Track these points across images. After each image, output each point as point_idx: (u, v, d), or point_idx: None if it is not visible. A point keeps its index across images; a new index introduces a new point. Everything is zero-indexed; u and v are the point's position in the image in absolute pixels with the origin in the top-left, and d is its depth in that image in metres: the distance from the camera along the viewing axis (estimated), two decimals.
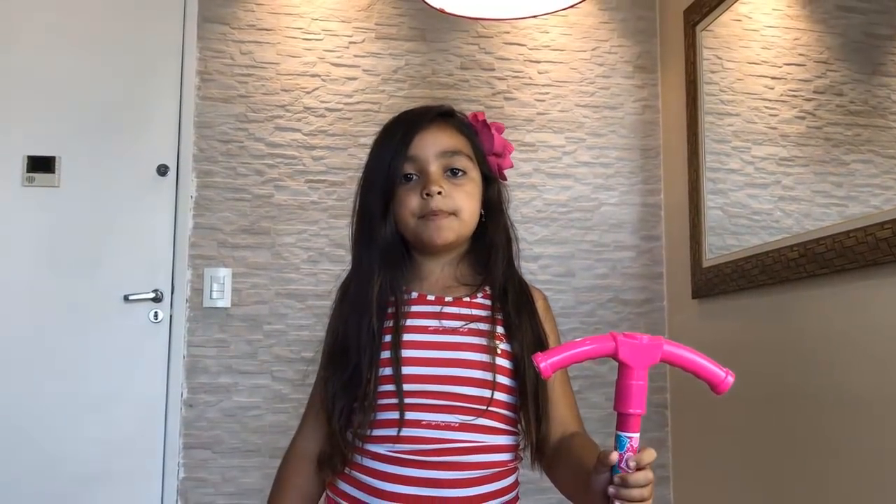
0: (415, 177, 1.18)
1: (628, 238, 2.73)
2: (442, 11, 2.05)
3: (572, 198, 2.71)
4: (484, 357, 1.11)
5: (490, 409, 1.11)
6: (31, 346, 2.40)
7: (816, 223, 1.90)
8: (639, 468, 0.91)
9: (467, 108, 2.66)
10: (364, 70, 2.66)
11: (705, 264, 2.40)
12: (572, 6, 2.07)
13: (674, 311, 2.66)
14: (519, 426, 1.15)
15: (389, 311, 1.15)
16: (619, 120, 2.77)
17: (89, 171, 2.48)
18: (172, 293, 2.48)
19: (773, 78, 2.14)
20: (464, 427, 1.09)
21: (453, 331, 1.13)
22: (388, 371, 1.11)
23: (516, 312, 1.16)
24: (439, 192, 1.15)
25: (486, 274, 1.20)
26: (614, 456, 0.91)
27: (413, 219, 1.16)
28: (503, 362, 1.13)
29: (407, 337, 1.13)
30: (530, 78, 2.74)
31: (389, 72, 2.67)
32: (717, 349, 2.33)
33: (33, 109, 2.48)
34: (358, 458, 1.13)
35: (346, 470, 1.14)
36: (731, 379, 0.94)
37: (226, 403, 2.46)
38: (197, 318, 2.50)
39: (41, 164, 2.46)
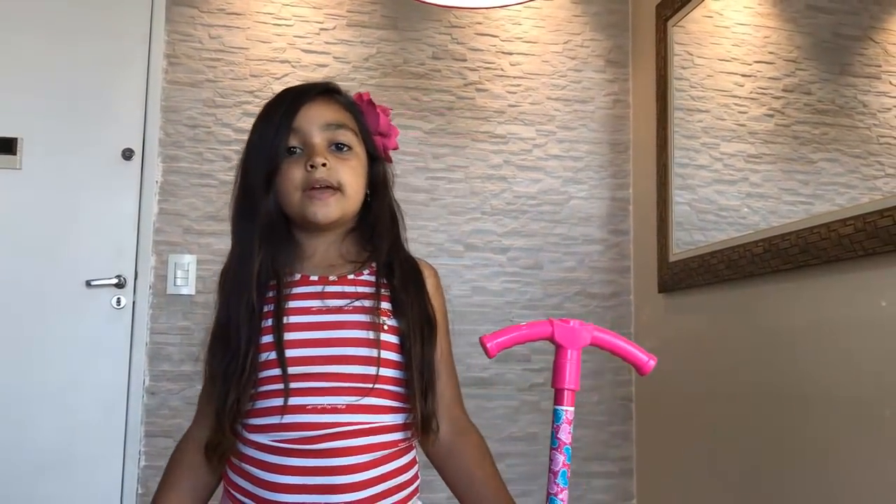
0: (299, 150, 1.15)
1: (596, 232, 2.74)
2: None
3: (542, 190, 2.72)
4: (369, 334, 1.09)
5: (377, 386, 1.08)
6: None
7: (783, 220, 1.92)
8: None
9: (439, 99, 2.66)
10: (335, 57, 2.64)
11: (672, 259, 2.41)
12: None
13: (640, 305, 2.68)
14: (409, 403, 1.13)
15: (270, 294, 1.12)
16: (589, 114, 2.78)
17: (52, 154, 2.44)
18: (136, 279, 2.45)
19: (742, 75, 2.16)
20: (350, 409, 1.07)
21: (338, 310, 1.11)
22: (270, 356, 1.08)
23: (403, 288, 1.15)
24: (323, 164, 1.12)
25: (372, 251, 1.19)
26: None
27: (297, 192, 1.13)
28: (389, 338, 1.11)
29: (289, 319, 1.10)
30: (502, 69, 2.74)
31: (360, 59, 2.65)
32: (683, 343, 2.35)
33: None
34: (245, 449, 1.10)
35: (236, 461, 1.11)
36: (652, 363, 1.04)
37: (188, 392, 2.43)
38: (160, 305, 2.47)
39: (3, 146, 2.41)
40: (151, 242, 2.47)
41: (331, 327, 1.09)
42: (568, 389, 1.01)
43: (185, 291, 2.47)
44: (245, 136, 2.73)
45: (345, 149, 1.17)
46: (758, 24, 2.13)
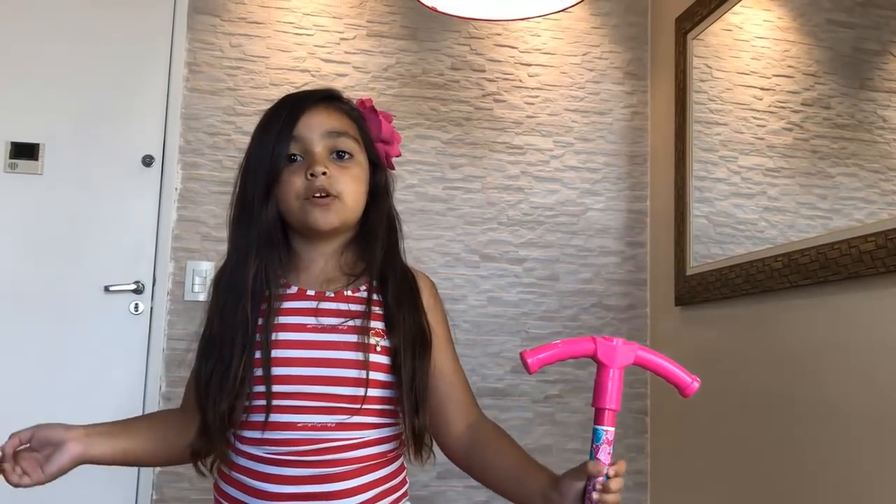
0: (299, 158, 1.14)
1: (613, 244, 2.74)
2: (434, 10, 2.05)
3: (559, 202, 2.71)
4: (359, 356, 1.09)
5: (364, 406, 1.09)
6: (10, 335, 2.37)
7: (801, 234, 1.91)
8: (616, 475, 0.99)
9: (457, 109, 2.67)
10: (354, 67, 2.65)
11: (689, 272, 2.40)
12: (564, 10, 2.07)
13: (656, 318, 2.67)
14: (398, 418, 1.13)
15: (263, 307, 1.11)
16: (607, 125, 2.78)
17: (73, 160, 2.46)
18: (154, 285, 2.46)
19: (761, 89, 2.15)
20: (340, 426, 1.08)
21: (332, 328, 1.10)
22: (259, 371, 1.08)
23: (396, 304, 1.14)
24: (324, 173, 1.11)
25: (368, 261, 1.18)
26: (602, 468, 0.98)
27: (298, 201, 1.12)
28: (379, 359, 1.10)
29: (282, 336, 1.09)
30: (520, 81, 2.74)
31: (380, 69, 2.66)
32: (699, 357, 2.34)
33: (19, 96, 2.46)
34: (237, 459, 1.10)
35: (227, 470, 1.12)
36: (696, 384, 1.02)
37: None
38: (178, 311, 2.48)
39: (25, 151, 2.43)
40: (170, 249, 2.49)
41: (323, 347, 1.09)
42: (609, 409, 1.00)
43: (202, 298, 2.48)
44: None
45: (346, 156, 1.16)
46: (777, 38, 2.12)
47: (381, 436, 1.12)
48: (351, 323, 1.10)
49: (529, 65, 2.75)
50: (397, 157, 1.25)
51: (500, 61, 2.74)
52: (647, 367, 1.02)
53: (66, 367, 2.38)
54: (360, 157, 1.18)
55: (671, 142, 2.57)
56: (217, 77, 2.57)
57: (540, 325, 2.64)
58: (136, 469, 2.37)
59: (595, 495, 0.98)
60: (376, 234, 1.19)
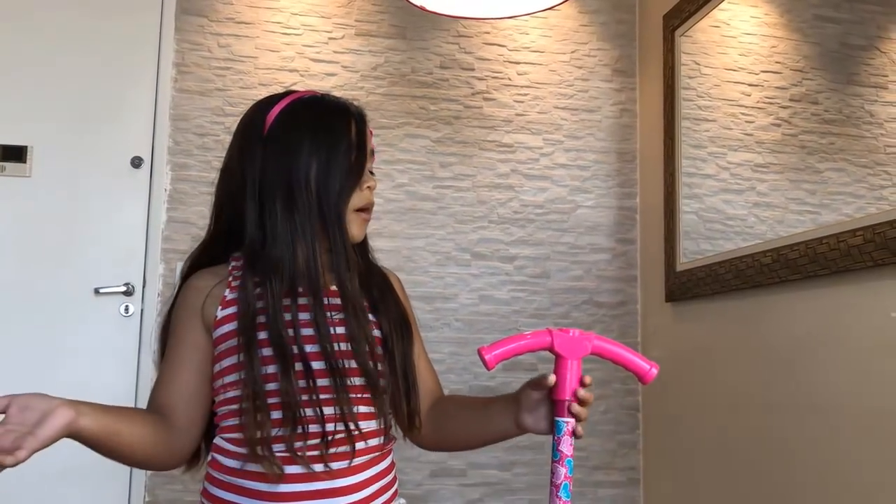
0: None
1: (604, 241, 2.74)
2: (422, 9, 2.04)
3: (549, 199, 2.72)
4: (362, 345, 1.10)
5: (364, 395, 1.09)
6: (0, 338, 2.36)
7: (790, 230, 1.92)
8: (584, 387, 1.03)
9: (447, 108, 2.67)
10: (343, 66, 2.65)
11: (679, 268, 2.41)
12: (552, 7, 2.07)
13: (647, 314, 2.68)
14: (383, 407, 1.12)
15: (303, 300, 1.10)
16: (596, 123, 2.78)
17: (62, 162, 2.45)
18: (144, 287, 2.46)
19: (749, 85, 2.16)
20: (349, 416, 1.08)
21: (340, 321, 1.10)
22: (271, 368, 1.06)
23: (380, 294, 1.18)
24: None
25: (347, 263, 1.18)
26: (552, 378, 1.01)
27: (353, 211, 1.15)
28: (378, 349, 1.12)
29: (307, 332, 1.08)
30: (509, 79, 2.74)
31: (369, 69, 2.66)
32: (690, 352, 2.35)
33: (6, 98, 2.44)
34: (235, 464, 1.07)
35: (221, 476, 1.09)
36: (654, 371, 1.02)
37: None
38: None
39: (12, 154, 2.42)
40: (160, 250, 2.48)
41: (333, 339, 1.09)
42: (569, 400, 1.00)
43: None
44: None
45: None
46: (765, 34, 2.13)
47: (376, 427, 1.12)
48: (351, 316, 1.11)
49: (518, 63, 2.76)
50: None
51: (488, 60, 2.74)
52: (604, 356, 1.02)
53: (57, 369, 2.37)
54: None
55: (660, 138, 2.58)
56: (206, 77, 2.57)
57: (531, 322, 2.65)
58: (128, 471, 2.36)
59: (576, 407, 1.01)
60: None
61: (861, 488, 1.64)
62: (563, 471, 0.98)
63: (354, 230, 1.15)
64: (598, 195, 2.75)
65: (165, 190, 2.51)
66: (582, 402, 1.02)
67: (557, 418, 1.00)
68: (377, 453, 1.12)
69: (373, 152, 1.20)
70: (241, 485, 1.07)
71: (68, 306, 2.41)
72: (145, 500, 2.38)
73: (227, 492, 1.08)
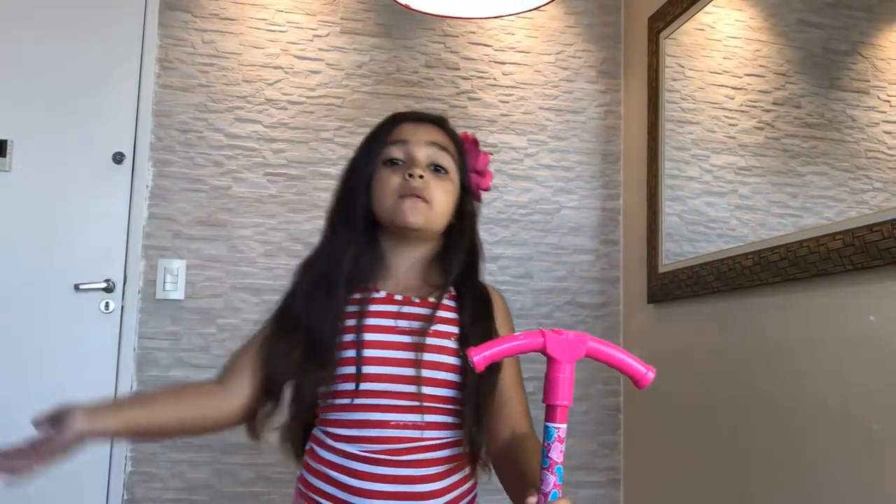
0: (401, 163, 1.23)
1: (587, 242, 2.75)
2: (408, 8, 2.04)
3: (533, 200, 2.72)
4: (447, 359, 1.16)
5: (448, 406, 1.16)
6: None
7: (771, 232, 1.93)
8: None
9: (431, 106, 2.66)
10: (328, 64, 2.64)
11: (661, 270, 2.42)
12: (538, 8, 2.07)
13: (629, 315, 2.69)
14: (464, 422, 1.18)
15: (353, 308, 1.18)
16: (581, 124, 2.79)
17: (42, 156, 2.43)
18: (125, 283, 2.44)
19: (733, 88, 2.17)
20: (430, 425, 1.14)
21: (419, 331, 1.16)
22: (349, 369, 1.14)
23: (473, 316, 1.21)
24: (421, 176, 1.19)
25: (449, 277, 1.25)
26: (532, 500, 0.94)
27: (392, 197, 1.19)
28: (458, 362, 1.17)
29: (373, 337, 1.15)
30: (495, 79, 2.74)
31: (354, 67, 2.65)
32: (671, 354, 2.36)
33: None
34: (329, 455, 1.15)
35: (316, 465, 1.17)
36: (651, 375, 0.96)
37: None
38: (149, 310, 2.46)
39: None
40: (141, 247, 2.46)
41: (412, 349, 1.15)
42: (561, 405, 0.94)
43: (174, 296, 2.46)
44: (237, 142, 2.74)
45: (442, 171, 1.24)
46: (749, 38, 2.14)
47: (458, 438, 1.17)
48: (437, 328, 1.17)
49: (503, 63, 2.76)
50: (486, 190, 1.34)
51: (474, 59, 2.74)
52: (599, 359, 0.96)
53: (36, 366, 2.35)
54: (454, 177, 1.26)
55: (644, 140, 2.59)
56: (189, 73, 2.55)
57: (514, 322, 2.64)
58: (106, 469, 2.35)
59: None
60: (458, 251, 1.26)
61: (843, 490, 1.65)
62: (552, 479, 0.94)
63: (399, 215, 1.19)
64: (581, 196, 2.76)
65: (147, 186, 2.49)
66: None
67: (548, 424, 0.94)
68: (456, 463, 1.16)
69: (439, 146, 1.23)
70: (333, 477, 1.14)
71: (48, 302, 2.39)
72: (124, 497, 2.36)
73: (321, 481, 1.16)
